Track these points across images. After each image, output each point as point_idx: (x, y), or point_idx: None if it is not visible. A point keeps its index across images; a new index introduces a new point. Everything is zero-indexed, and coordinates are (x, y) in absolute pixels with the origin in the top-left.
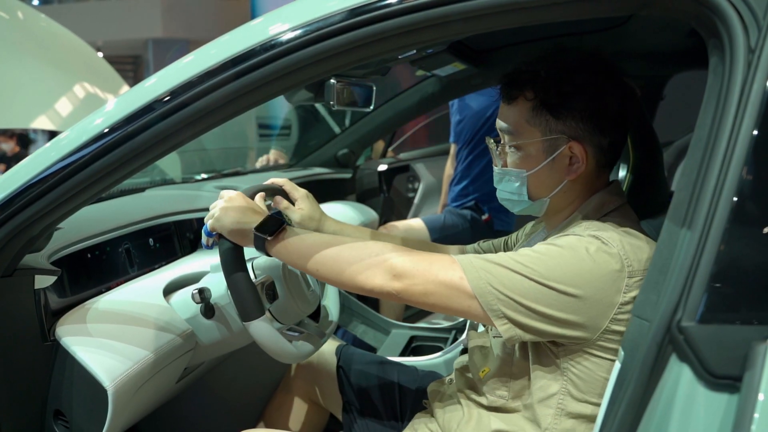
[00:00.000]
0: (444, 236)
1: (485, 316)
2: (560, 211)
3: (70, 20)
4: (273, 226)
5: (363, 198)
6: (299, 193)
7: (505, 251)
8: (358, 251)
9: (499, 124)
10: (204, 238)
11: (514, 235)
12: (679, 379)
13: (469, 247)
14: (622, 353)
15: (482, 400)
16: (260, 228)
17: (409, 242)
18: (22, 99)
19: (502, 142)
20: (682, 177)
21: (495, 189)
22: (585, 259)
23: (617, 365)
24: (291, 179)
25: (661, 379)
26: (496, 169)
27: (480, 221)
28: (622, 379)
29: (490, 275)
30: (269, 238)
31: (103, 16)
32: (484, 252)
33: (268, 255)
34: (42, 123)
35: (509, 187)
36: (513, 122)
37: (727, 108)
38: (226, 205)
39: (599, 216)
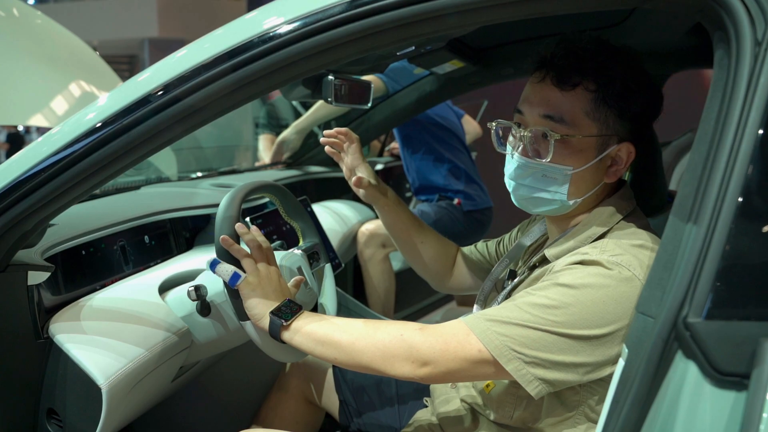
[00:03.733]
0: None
1: (514, 380)
2: (575, 214)
3: (65, 19)
4: (290, 312)
5: (360, 197)
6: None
7: (498, 257)
8: (373, 339)
9: (540, 110)
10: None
11: (507, 237)
12: (685, 376)
13: (466, 248)
14: (625, 350)
15: (488, 413)
16: (277, 314)
17: (429, 235)
18: (17, 96)
19: (532, 130)
20: (686, 172)
21: (444, 177)
22: (604, 299)
23: (620, 363)
24: (288, 178)
25: (667, 376)
26: (521, 160)
27: (453, 205)
28: (626, 377)
29: (508, 339)
30: (284, 323)
31: (99, 16)
32: (479, 253)
33: (282, 341)
34: (37, 120)
35: (542, 183)
36: (569, 112)
37: (734, 101)
38: (254, 288)
39: (613, 224)
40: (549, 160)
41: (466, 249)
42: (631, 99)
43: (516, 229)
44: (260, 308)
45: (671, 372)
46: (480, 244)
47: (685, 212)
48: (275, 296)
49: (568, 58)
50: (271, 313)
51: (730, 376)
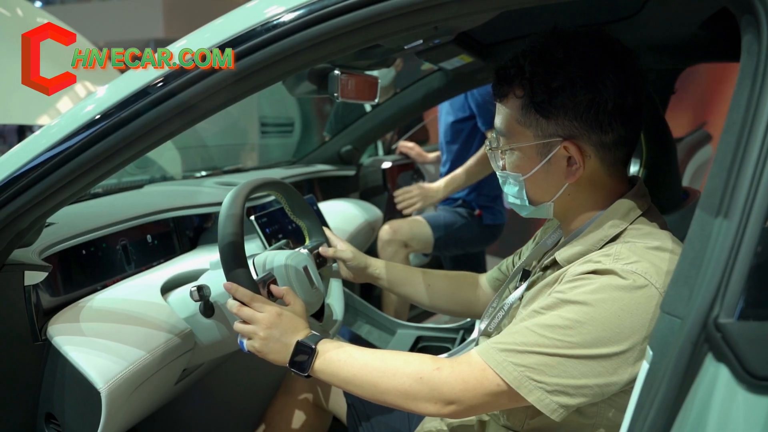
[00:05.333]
0: (447, 233)
1: (539, 409)
2: (574, 216)
3: (71, 21)
4: (306, 357)
5: (367, 196)
6: (342, 245)
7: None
8: (393, 382)
9: (495, 123)
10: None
11: (524, 248)
12: (716, 380)
13: (492, 272)
14: (650, 353)
15: (499, 420)
16: (295, 361)
17: (446, 276)
18: (21, 95)
19: (498, 143)
20: (714, 164)
21: (476, 186)
22: (619, 313)
23: (645, 366)
24: (293, 176)
25: (696, 380)
26: (497, 172)
27: (474, 215)
28: (651, 382)
29: (526, 369)
30: (305, 375)
31: (104, 17)
32: (504, 275)
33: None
34: (42, 120)
35: (511, 190)
36: (505, 123)
37: (765, 89)
38: (266, 335)
39: (627, 225)
40: (501, 168)
41: (492, 272)
42: (555, 97)
43: (531, 240)
44: (280, 360)
45: (701, 376)
46: (504, 265)
47: (713, 207)
48: (284, 345)
49: (499, 70)
50: (290, 365)
51: (765, 380)
